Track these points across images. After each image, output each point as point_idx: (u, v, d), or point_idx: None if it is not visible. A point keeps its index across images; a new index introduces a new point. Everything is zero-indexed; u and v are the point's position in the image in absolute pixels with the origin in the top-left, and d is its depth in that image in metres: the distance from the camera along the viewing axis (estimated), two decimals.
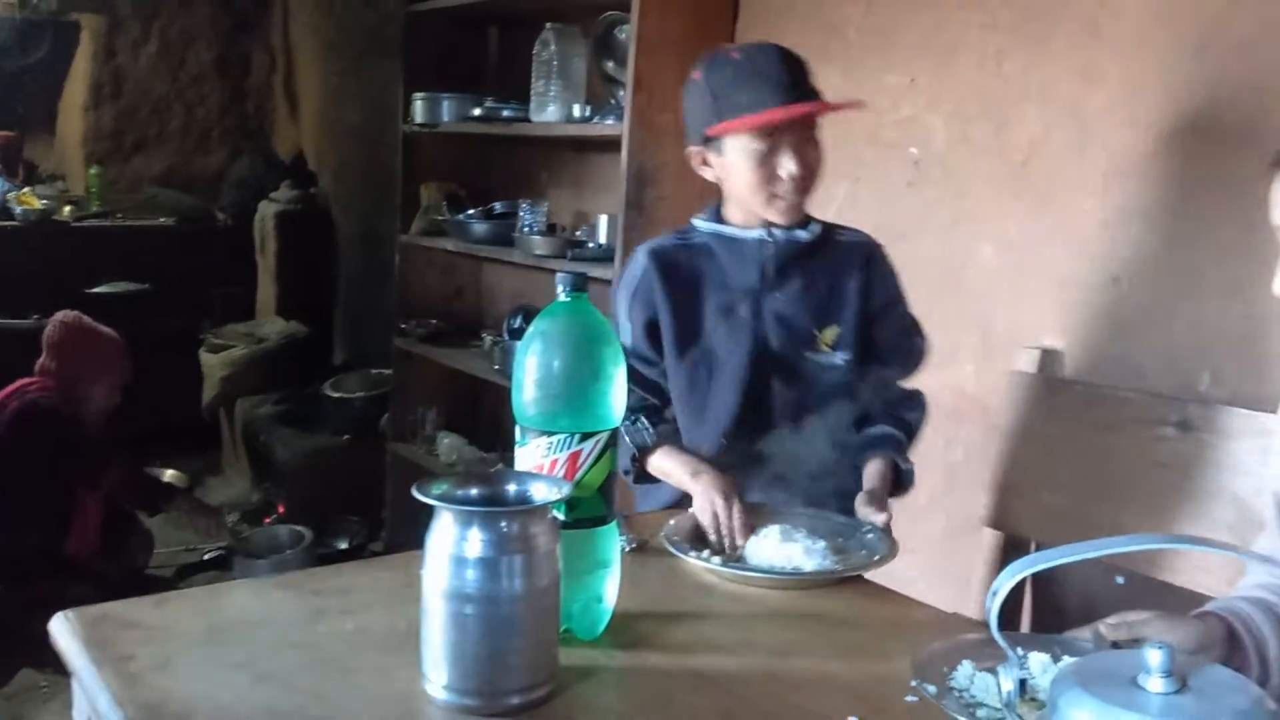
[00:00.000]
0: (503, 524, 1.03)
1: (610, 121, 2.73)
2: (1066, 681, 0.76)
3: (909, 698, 1.11)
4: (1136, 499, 1.82)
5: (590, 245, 2.91)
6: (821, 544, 1.45)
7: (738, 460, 1.64)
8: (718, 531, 1.50)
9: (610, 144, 2.70)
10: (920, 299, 1.77)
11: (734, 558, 1.47)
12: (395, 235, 3.60)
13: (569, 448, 1.18)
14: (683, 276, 1.70)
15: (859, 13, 2.39)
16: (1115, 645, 1.11)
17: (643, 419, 1.68)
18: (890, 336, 1.73)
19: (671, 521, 1.54)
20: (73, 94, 5.33)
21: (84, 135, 5.29)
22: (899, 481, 1.66)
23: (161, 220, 5.11)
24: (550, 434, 1.18)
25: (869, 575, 1.44)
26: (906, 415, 1.72)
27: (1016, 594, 1.83)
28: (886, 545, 1.46)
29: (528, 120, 3.00)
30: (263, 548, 3.34)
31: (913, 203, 2.26)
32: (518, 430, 1.21)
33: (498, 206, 3.33)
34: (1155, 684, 0.73)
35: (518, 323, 3.15)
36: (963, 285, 2.17)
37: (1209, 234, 1.82)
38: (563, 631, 1.16)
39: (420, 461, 3.44)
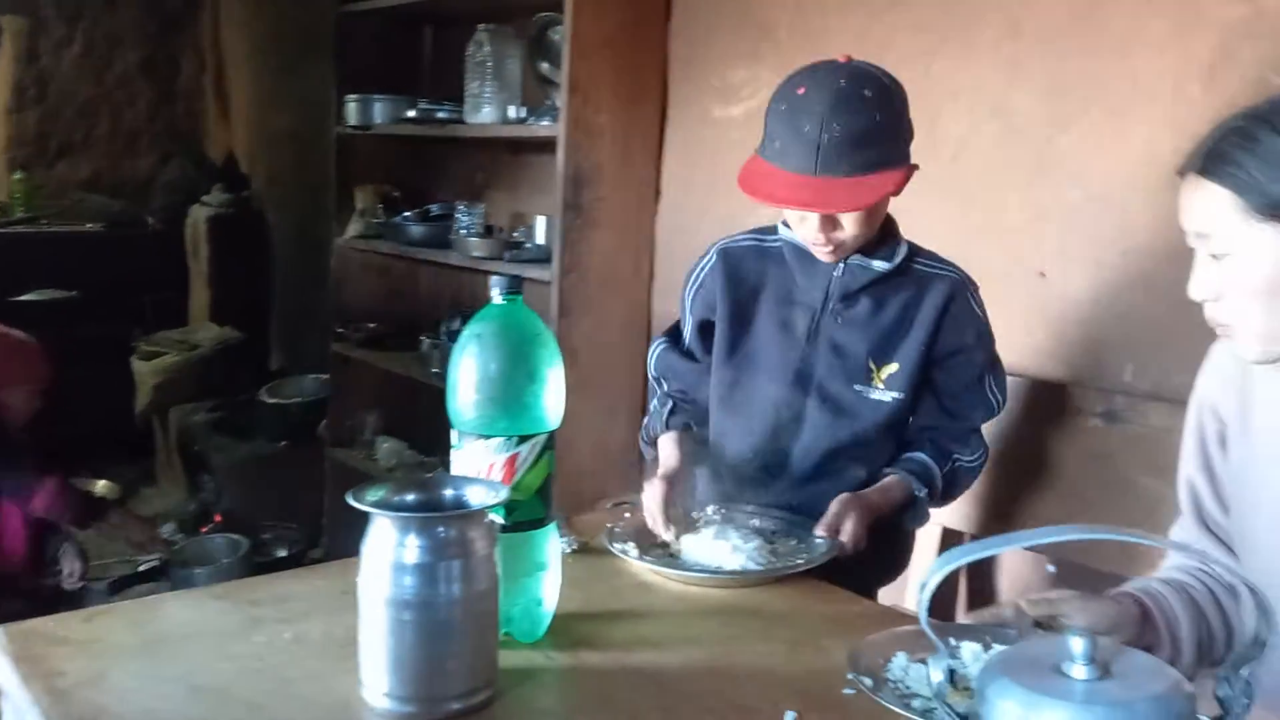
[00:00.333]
0: (439, 529, 1.03)
1: (546, 123, 2.73)
2: (994, 671, 0.78)
3: (846, 690, 1.13)
4: (1065, 489, 1.86)
5: (528, 246, 2.91)
6: (753, 544, 1.46)
7: (747, 470, 1.64)
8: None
9: (547, 145, 2.70)
10: None
11: (668, 554, 1.48)
12: (330, 238, 3.56)
13: (506, 451, 1.18)
14: (748, 280, 1.66)
15: (789, 14, 2.42)
16: (1037, 623, 1.14)
17: (668, 406, 1.73)
18: (955, 385, 1.63)
19: (611, 522, 1.55)
20: None
21: (7, 140, 5.15)
22: (908, 508, 1.60)
23: (89, 226, 5.00)
24: (487, 437, 1.18)
25: (810, 571, 1.44)
26: (952, 448, 1.64)
27: (951, 585, 1.87)
28: (826, 547, 1.47)
29: (463, 122, 2.99)
30: (199, 558, 3.29)
31: None
32: (454, 434, 1.21)
33: (434, 208, 3.31)
34: (1079, 671, 0.75)
35: (456, 325, 3.13)
36: None
37: (1131, 231, 1.87)
38: (503, 635, 1.16)
39: (359, 467, 3.41)
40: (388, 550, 1.03)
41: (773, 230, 1.67)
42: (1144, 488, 1.72)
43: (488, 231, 3.08)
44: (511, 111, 2.87)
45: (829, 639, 1.25)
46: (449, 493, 1.11)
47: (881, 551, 1.58)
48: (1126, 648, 0.81)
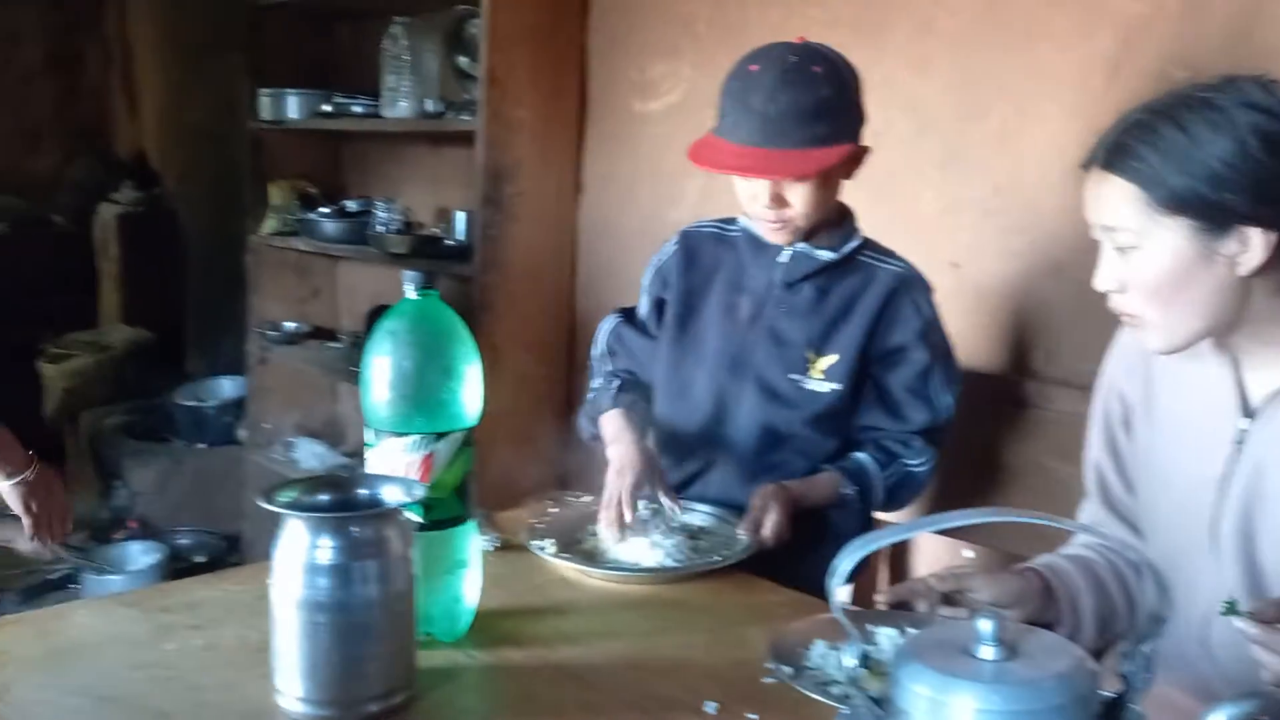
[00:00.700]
0: (354, 529, 1.01)
1: (465, 117, 2.71)
2: (906, 655, 0.79)
3: (766, 679, 1.14)
4: (980, 474, 1.90)
5: (448, 242, 2.88)
6: (673, 540, 1.47)
7: (686, 452, 1.64)
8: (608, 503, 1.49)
9: (466, 139, 2.68)
10: None
11: (582, 551, 1.47)
12: (246, 236, 3.49)
13: (423, 449, 1.16)
14: (704, 264, 1.68)
15: (709, 8, 2.43)
16: (945, 598, 1.16)
17: (615, 383, 1.69)
18: (895, 385, 1.61)
19: (534, 520, 1.54)
20: None
21: None
22: (837, 506, 1.58)
23: None
24: (402, 435, 1.16)
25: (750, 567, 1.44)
26: (897, 451, 1.61)
27: (872, 573, 1.89)
28: (747, 543, 1.47)
29: (379, 116, 2.95)
30: (114, 566, 3.20)
31: None
32: (369, 432, 1.19)
33: (351, 205, 3.26)
34: (987, 652, 0.77)
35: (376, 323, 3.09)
36: None
37: (1039, 221, 1.92)
38: (423, 635, 1.15)
39: (279, 469, 3.35)
40: (300, 552, 1.01)
41: (735, 220, 1.69)
42: (1054, 471, 1.77)
43: (407, 227, 3.05)
44: (429, 105, 2.84)
45: (750, 629, 1.26)
46: (363, 492, 1.10)
47: (822, 551, 1.57)
48: (1034, 628, 0.83)
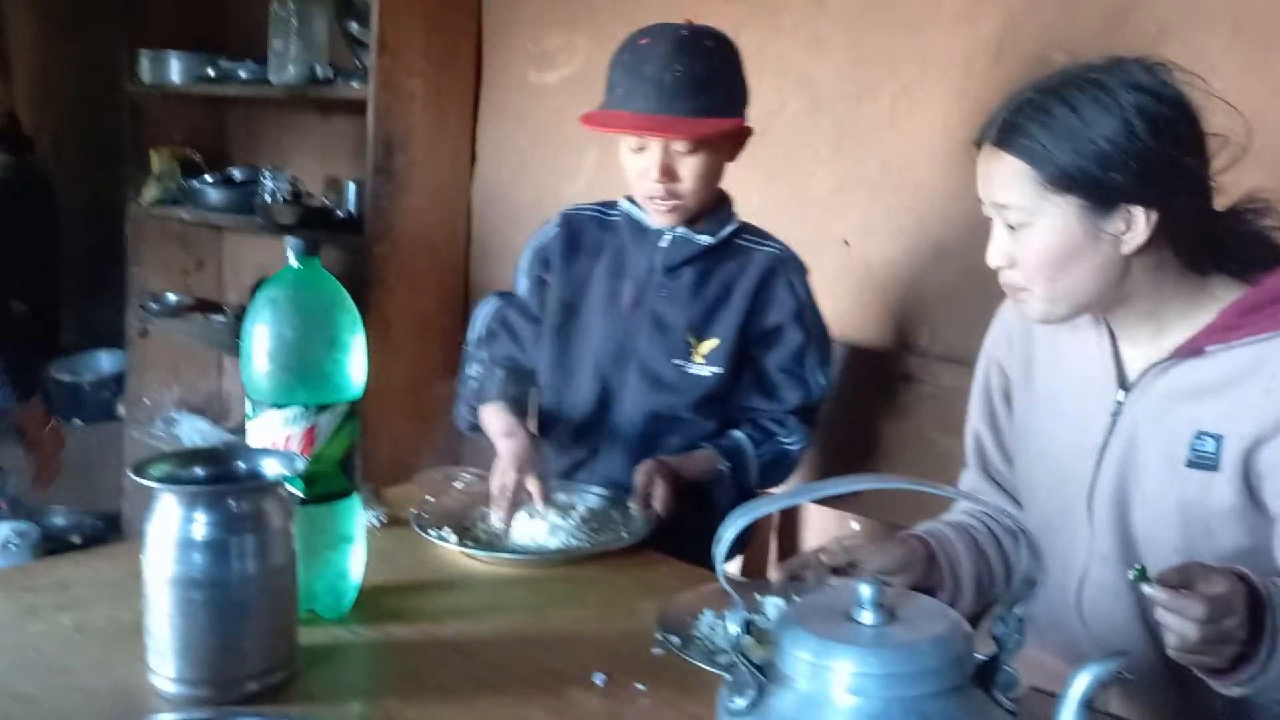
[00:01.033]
0: (230, 503, 0.98)
1: (355, 84, 2.64)
2: (789, 621, 0.80)
3: (655, 650, 1.14)
4: (867, 447, 1.94)
5: (338, 213, 2.81)
6: (571, 521, 1.46)
7: (571, 438, 1.62)
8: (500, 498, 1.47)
9: (357, 108, 2.61)
10: None
11: (476, 536, 1.45)
12: (125, 204, 3.35)
13: (304, 421, 1.13)
14: (585, 248, 1.66)
15: None
16: (834, 568, 1.18)
17: (498, 372, 1.65)
18: (770, 366, 1.63)
19: (418, 507, 1.49)
20: None
21: None
22: (716, 482, 1.59)
23: None
24: (283, 407, 1.13)
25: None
26: (773, 429, 1.62)
27: (761, 544, 1.92)
28: (642, 524, 1.47)
29: (267, 82, 2.85)
30: None
31: None
32: (249, 404, 1.16)
33: (237, 173, 3.15)
34: (867, 617, 0.78)
35: None
36: None
37: (926, 200, 1.96)
38: (306, 611, 1.13)
39: (161, 445, 3.24)
40: (173, 527, 0.97)
41: (615, 204, 1.68)
42: (937, 443, 1.81)
43: (295, 198, 2.96)
44: (319, 71, 2.76)
45: (641, 602, 1.26)
46: (242, 465, 1.06)
47: (706, 525, 1.58)
48: (912, 593, 0.85)
